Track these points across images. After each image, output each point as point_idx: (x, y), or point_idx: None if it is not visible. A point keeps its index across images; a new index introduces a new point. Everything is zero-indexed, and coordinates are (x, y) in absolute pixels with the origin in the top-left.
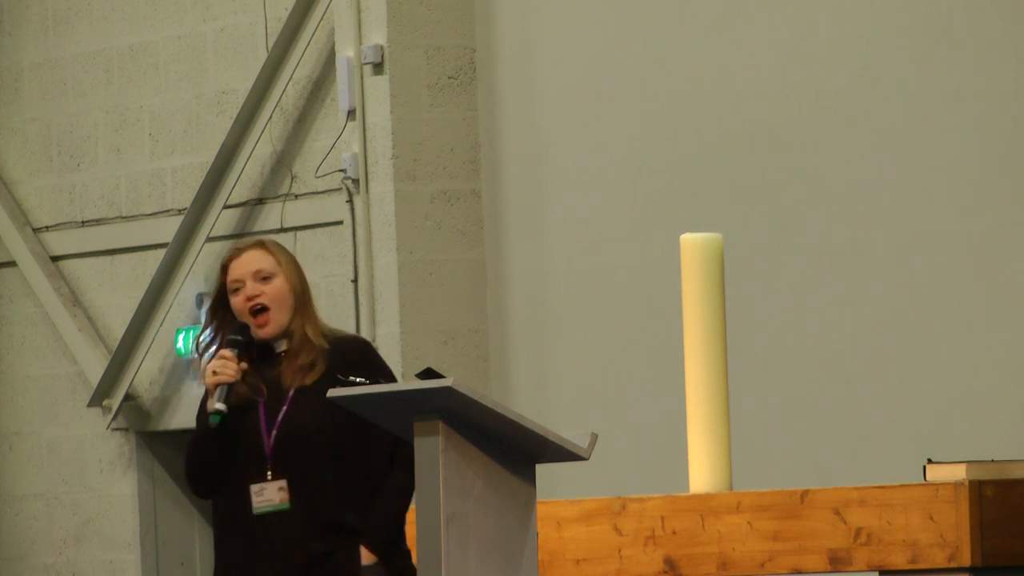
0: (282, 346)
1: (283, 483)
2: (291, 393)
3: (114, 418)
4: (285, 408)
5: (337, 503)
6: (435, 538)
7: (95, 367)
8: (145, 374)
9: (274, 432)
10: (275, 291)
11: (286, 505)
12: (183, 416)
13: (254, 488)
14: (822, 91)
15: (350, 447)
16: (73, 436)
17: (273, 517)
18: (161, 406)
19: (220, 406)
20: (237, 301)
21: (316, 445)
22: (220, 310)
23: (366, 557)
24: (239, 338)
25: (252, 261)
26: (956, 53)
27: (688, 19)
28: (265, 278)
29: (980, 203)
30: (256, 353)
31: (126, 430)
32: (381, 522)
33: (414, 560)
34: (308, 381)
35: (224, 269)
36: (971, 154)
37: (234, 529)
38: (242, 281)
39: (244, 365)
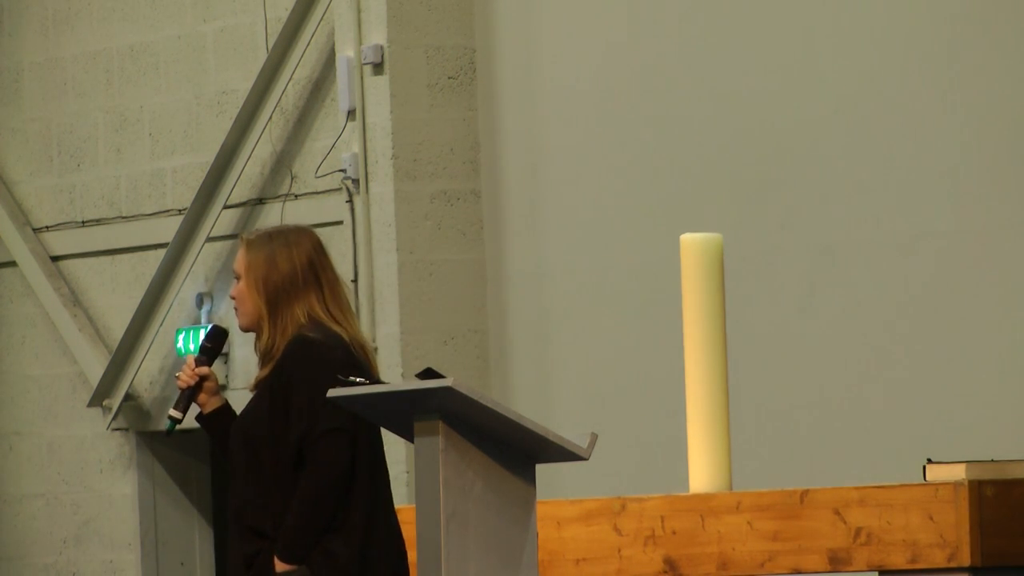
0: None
1: None
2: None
3: (114, 418)
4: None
5: (255, 508)
6: (435, 538)
7: (95, 367)
8: (145, 374)
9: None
10: (238, 292)
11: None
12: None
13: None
14: (822, 91)
15: (265, 453)
16: (73, 436)
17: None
18: (161, 406)
19: (173, 413)
20: None
21: (237, 450)
22: None
23: (279, 566)
24: (208, 344)
25: (236, 259)
26: (956, 53)
27: (688, 19)
28: (236, 278)
29: (980, 203)
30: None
31: (126, 430)
32: (286, 532)
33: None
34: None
35: None
36: (970, 154)
37: None
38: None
39: (204, 370)
